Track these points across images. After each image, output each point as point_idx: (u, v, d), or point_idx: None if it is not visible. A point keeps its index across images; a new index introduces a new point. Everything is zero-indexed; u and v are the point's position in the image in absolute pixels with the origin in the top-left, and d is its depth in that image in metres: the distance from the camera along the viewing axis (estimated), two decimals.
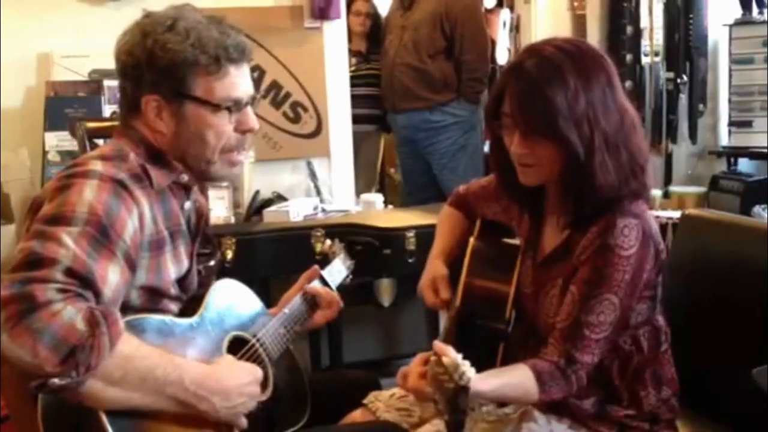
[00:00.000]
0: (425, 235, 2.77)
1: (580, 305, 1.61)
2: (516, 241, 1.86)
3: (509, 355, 1.70)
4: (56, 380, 1.26)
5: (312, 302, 1.91)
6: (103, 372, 1.31)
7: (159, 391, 1.39)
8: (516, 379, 1.57)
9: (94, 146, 2.73)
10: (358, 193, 3.98)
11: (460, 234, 2.03)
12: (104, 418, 1.35)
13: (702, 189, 4.70)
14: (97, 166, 1.49)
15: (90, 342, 1.28)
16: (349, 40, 4.38)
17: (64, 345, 1.26)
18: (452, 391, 1.29)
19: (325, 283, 1.96)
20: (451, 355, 1.35)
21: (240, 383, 1.52)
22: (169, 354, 1.44)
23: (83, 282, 1.33)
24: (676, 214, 2.34)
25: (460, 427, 1.32)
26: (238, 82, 1.61)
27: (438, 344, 1.41)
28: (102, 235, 1.40)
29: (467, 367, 1.31)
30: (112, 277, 1.39)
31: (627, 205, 1.62)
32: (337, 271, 2.05)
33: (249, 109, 1.64)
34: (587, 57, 1.64)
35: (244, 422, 1.55)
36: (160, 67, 1.55)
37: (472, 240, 1.86)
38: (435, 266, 1.96)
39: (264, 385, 1.63)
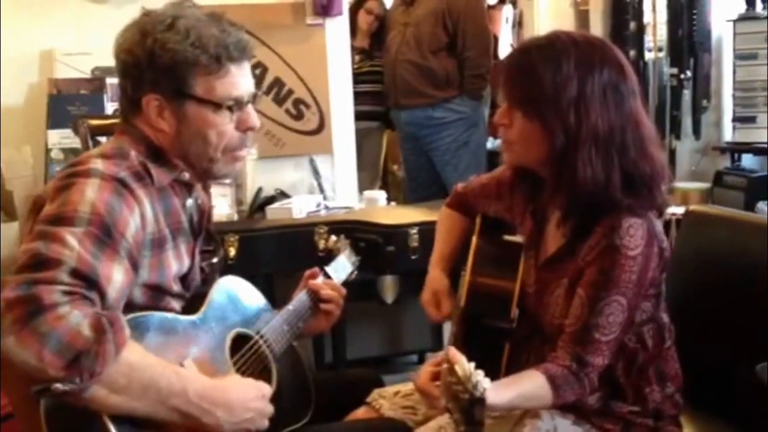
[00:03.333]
0: (428, 231, 2.76)
1: (588, 308, 1.60)
2: (518, 239, 1.86)
3: (513, 353, 1.70)
4: (60, 385, 1.25)
5: (316, 298, 1.90)
6: (107, 379, 1.30)
7: (162, 402, 1.37)
8: (530, 388, 1.57)
9: (96, 144, 2.73)
10: (361, 190, 3.97)
11: (458, 237, 2.03)
12: (108, 421, 1.34)
13: (706, 185, 4.69)
14: (98, 164, 1.49)
15: (95, 348, 1.27)
16: (353, 36, 4.37)
17: (70, 350, 1.25)
18: (467, 402, 1.27)
19: (328, 279, 1.96)
20: (464, 364, 1.33)
21: (245, 398, 1.50)
22: (175, 365, 1.43)
23: (88, 283, 1.33)
24: (680, 210, 2.33)
25: None
26: (239, 80, 1.60)
27: (452, 352, 1.39)
28: (105, 234, 1.39)
29: (481, 377, 1.29)
30: (116, 276, 1.39)
31: (631, 205, 1.62)
32: (342, 267, 2.05)
33: (250, 108, 1.63)
34: (595, 52, 1.63)
35: None
36: (161, 67, 1.54)
37: (474, 239, 1.86)
38: (434, 277, 1.96)
39: (268, 381, 1.63)
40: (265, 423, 1.55)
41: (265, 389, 1.56)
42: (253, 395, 1.52)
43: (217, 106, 1.58)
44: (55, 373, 1.24)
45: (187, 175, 1.63)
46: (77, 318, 1.27)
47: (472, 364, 1.32)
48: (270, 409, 1.55)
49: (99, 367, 1.28)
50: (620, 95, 1.62)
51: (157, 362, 1.39)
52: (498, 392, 1.45)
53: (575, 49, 1.62)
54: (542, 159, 1.65)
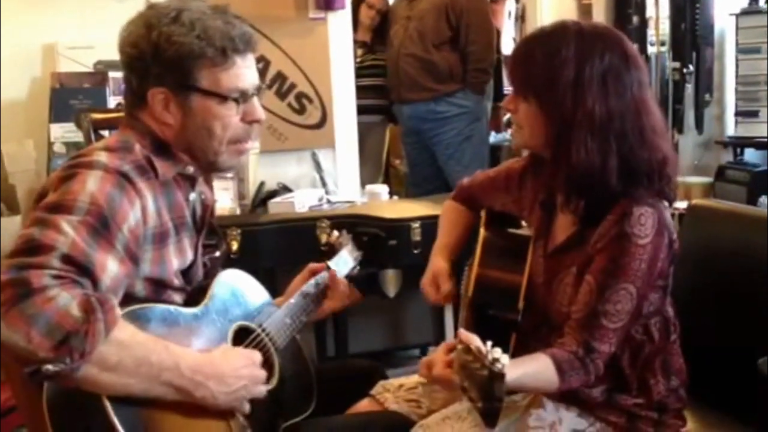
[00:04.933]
0: (431, 225, 2.76)
1: (597, 295, 1.61)
2: (524, 232, 1.86)
3: (521, 344, 1.70)
4: (50, 366, 1.25)
5: (320, 292, 1.90)
6: (97, 358, 1.30)
7: (155, 378, 1.38)
8: (537, 369, 1.57)
9: (99, 137, 2.74)
10: (363, 184, 3.98)
11: (462, 229, 2.04)
12: (109, 407, 1.35)
13: (708, 179, 4.69)
14: (102, 157, 1.49)
15: (85, 328, 1.27)
16: (354, 30, 4.37)
17: (58, 331, 1.25)
18: (486, 378, 1.26)
19: None
20: (478, 342, 1.34)
21: (235, 366, 1.51)
22: (165, 341, 1.43)
23: (80, 269, 1.33)
24: (683, 205, 2.33)
25: (496, 414, 1.29)
26: (244, 72, 1.61)
27: (463, 332, 1.40)
28: (102, 225, 1.39)
29: (499, 353, 1.29)
30: (111, 266, 1.39)
31: (642, 194, 1.62)
32: (344, 262, 2.04)
33: (255, 100, 1.64)
34: (600, 40, 1.64)
35: (246, 407, 1.54)
36: (166, 60, 1.54)
37: (482, 231, 1.86)
38: (435, 263, 1.96)
39: (270, 374, 1.63)
40: (261, 389, 1.56)
41: (255, 356, 1.57)
42: (243, 363, 1.53)
43: (222, 98, 1.58)
44: (45, 354, 1.25)
45: (191, 169, 1.64)
46: (65, 299, 1.27)
47: (489, 343, 1.33)
48: (262, 374, 1.57)
49: (89, 347, 1.28)
50: (622, 83, 1.63)
51: (147, 339, 1.40)
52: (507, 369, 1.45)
53: (578, 36, 1.64)
54: (543, 142, 1.68)
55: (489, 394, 1.27)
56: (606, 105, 1.61)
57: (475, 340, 1.36)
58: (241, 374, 1.51)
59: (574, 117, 1.61)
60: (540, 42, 1.67)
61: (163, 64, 1.55)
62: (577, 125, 1.60)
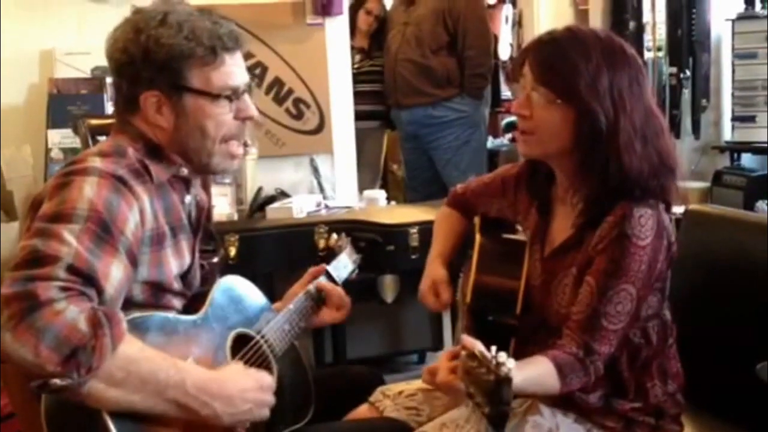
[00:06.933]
0: (429, 231, 2.75)
1: (597, 296, 1.61)
2: (519, 237, 1.87)
3: (519, 348, 1.70)
4: (57, 380, 1.25)
5: (317, 298, 1.90)
6: (104, 373, 1.30)
7: (160, 394, 1.37)
8: (539, 373, 1.57)
9: (96, 143, 2.73)
10: (361, 189, 3.98)
11: (457, 235, 2.04)
12: (108, 419, 1.34)
13: (705, 184, 4.69)
14: (96, 162, 1.49)
15: (92, 343, 1.27)
16: (352, 36, 4.38)
17: (66, 345, 1.25)
18: (493, 383, 1.26)
19: (331, 278, 1.96)
20: (482, 348, 1.34)
21: (243, 389, 1.49)
22: (173, 358, 1.42)
23: (85, 279, 1.33)
24: (680, 210, 2.33)
25: (505, 418, 1.28)
26: (234, 70, 1.61)
27: (466, 338, 1.40)
28: (103, 231, 1.40)
29: (505, 358, 1.28)
30: (114, 273, 1.39)
31: (643, 196, 1.63)
32: (343, 265, 2.05)
33: (247, 97, 1.65)
34: (617, 48, 1.66)
35: (247, 425, 1.54)
36: (157, 62, 1.55)
37: (477, 237, 1.86)
38: (433, 269, 1.96)
39: None
40: (265, 413, 1.54)
41: (265, 380, 1.56)
42: (251, 386, 1.51)
43: (214, 96, 1.59)
44: (53, 369, 1.24)
45: (185, 171, 1.64)
46: (73, 313, 1.27)
47: (494, 348, 1.32)
48: (269, 399, 1.55)
49: (96, 362, 1.28)
50: (641, 90, 1.65)
51: (155, 355, 1.39)
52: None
53: (600, 42, 1.64)
54: (567, 147, 1.65)
55: (496, 399, 1.26)
56: (638, 113, 1.63)
57: (478, 345, 1.35)
58: (248, 398, 1.50)
59: (617, 121, 1.60)
60: (569, 46, 1.63)
61: (154, 67, 1.55)
62: (622, 131, 1.60)
